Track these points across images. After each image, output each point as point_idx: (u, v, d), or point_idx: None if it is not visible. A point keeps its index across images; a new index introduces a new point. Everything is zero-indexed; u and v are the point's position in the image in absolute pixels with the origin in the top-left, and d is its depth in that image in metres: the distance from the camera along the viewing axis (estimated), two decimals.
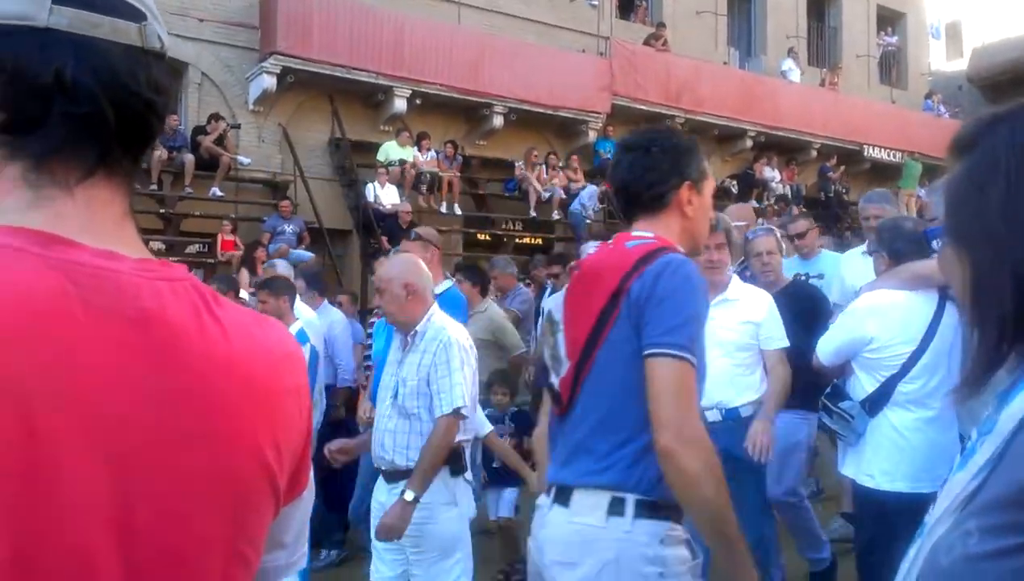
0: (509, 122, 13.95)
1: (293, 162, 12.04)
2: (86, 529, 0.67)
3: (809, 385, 3.64)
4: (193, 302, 0.76)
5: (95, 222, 0.74)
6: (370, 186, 11.54)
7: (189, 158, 11.12)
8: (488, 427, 4.38)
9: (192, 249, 11.42)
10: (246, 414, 0.77)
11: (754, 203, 13.53)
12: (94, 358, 0.68)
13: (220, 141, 11.45)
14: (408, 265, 3.34)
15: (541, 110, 14.16)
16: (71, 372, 0.66)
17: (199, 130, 11.56)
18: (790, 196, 15.80)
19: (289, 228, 10.85)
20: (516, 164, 13.43)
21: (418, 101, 13.09)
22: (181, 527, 0.72)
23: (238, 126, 11.96)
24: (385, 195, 11.45)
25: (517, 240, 13.50)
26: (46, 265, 0.67)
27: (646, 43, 15.78)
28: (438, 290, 3.87)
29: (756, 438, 3.51)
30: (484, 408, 4.39)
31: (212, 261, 10.84)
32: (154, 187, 11.01)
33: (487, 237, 13.56)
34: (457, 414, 3.07)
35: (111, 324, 0.69)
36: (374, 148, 12.33)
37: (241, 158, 11.85)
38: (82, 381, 0.67)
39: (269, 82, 12.06)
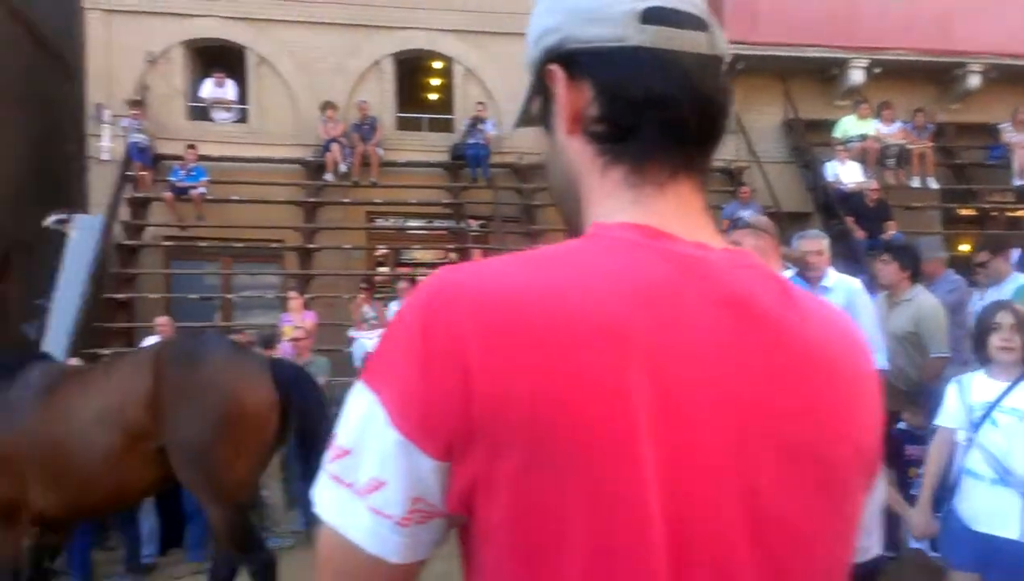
0: (989, 80, 12.40)
1: (747, 148, 12.17)
2: (726, 512, 0.71)
3: None
4: (773, 289, 0.78)
5: (684, 216, 0.80)
6: (829, 165, 11.19)
7: None
8: None
9: None
10: (839, 396, 0.77)
11: None
12: (706, 336, 0.72)
13: None
14: None
15: None
16: (693, 349, 0.72)
17: None
18: None
19: (746, 214, 10.98)
20: (1001, 127, 11.89)
21: (877, 70, 12.31)
22: (800, 508, 0.74)
23: None
24: (846, 173, 11.00)
25: (1008, 213, 11.96)
26: (657, 255, 0.75)
27: None
28: None
29: None
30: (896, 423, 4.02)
31: None
32: None
33: (972, 212, 12.24)
34: None
35: (710, 307, 0.74)
36: (829, 125, 11.91)
37: None
38: (705, 359, 0.72)
39: None
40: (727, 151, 12.64)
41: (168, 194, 10.84)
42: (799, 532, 0.74)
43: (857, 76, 12.28)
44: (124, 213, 10.95)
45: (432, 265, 11.85)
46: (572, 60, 0.81)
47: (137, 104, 11.41)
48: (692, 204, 0.81)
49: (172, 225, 11.07)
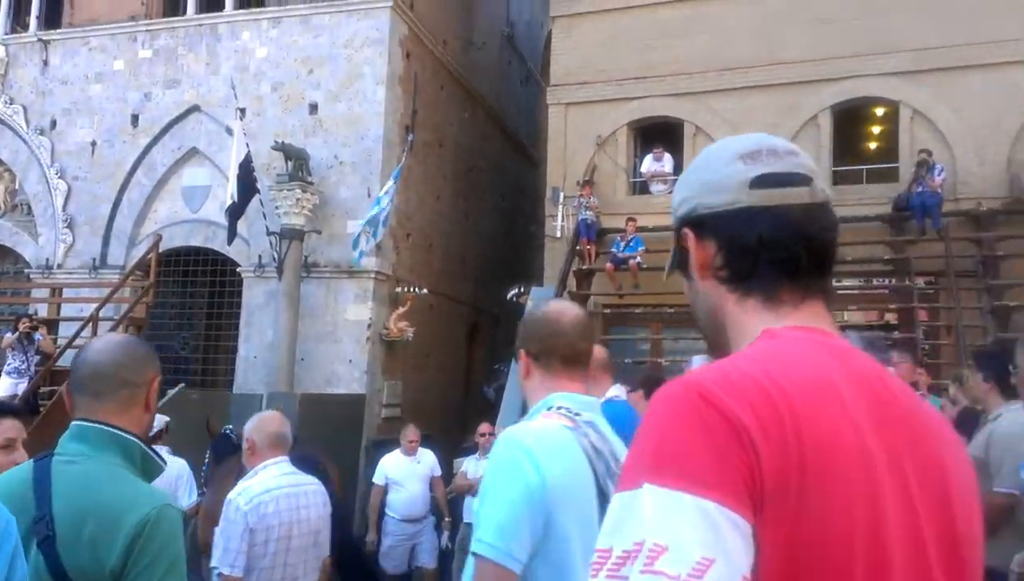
0: None
1: None
2: (931, 553, 0.89)
3: None
4: (895, 379, 0.99)
5: (820, 322, 0.99)
6: None
7: None
8: None
9: None
10: (963, 468, 0.96)
11: None
12: (871, 410, 0.91)
13: None
14: None
15: None
16: (879, 424, 0.90)
17: None
18: None
19: None
20: None
21: None
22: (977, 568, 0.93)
23: None
24: None
25: None
26: (825, 347, 0.96)
27: None
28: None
29: None
30: None
31: None
32: None
33: None
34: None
35: (872, 383, 0.94)
36: None
37: None
38: (892, 431, 0.91)
39: None
40: None
41: (609, 265, 11.89)
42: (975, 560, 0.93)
43: None
44: (571, 284, 12.27)
45: (870, 327, 11.07)
46: (701, 222, 1.04)
47: (587, 184, 12.78)
48: (820, 313, 1.01)
49: (611, 293, 12.08)
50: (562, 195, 13.14)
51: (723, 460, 0.80)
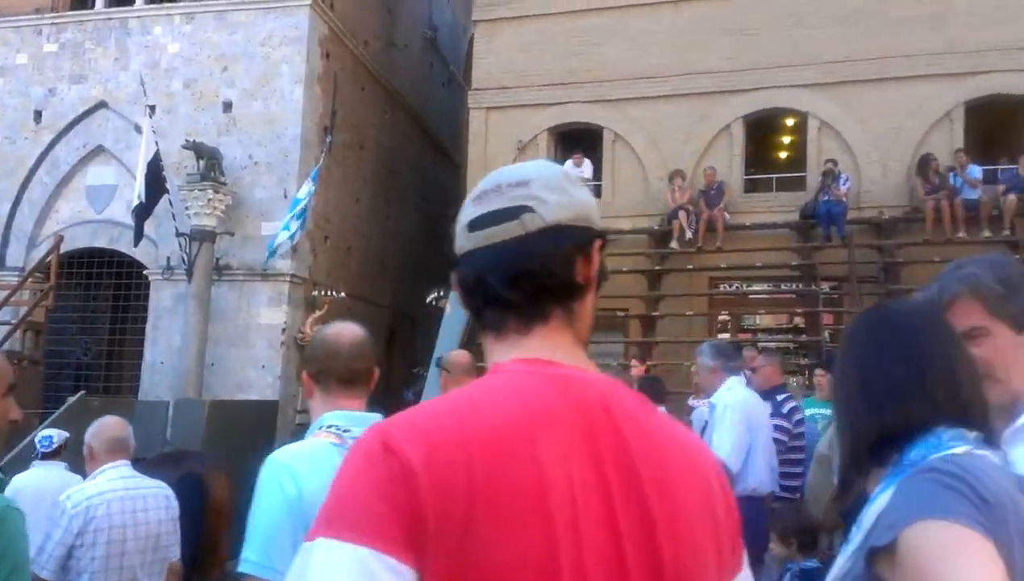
0: None
1: None
2: (627, 561, 0.91)
3: None
4: (637, 399, 1.02)
5: (556, 351, 1.01)
6: None
7: None
8: None
9: None
10: (697, 492, 1.00)
11: None
12: (586, 438, 0.94)
13: None
14: None
15: None
16: (589, 453, 0.93)
17: None
18: None
19: None
20: None
21: None
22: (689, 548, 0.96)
23: None
24: None
25: None
26: (545, 378, 0.97)
27: None
28: None
29: None
30: None
31: None
32: (1007, 233, 10.53)
33: None
34: None
35: (591, 411, 0.96)
36: None
37: None
38: (603, 459, 0.94)
39: None
40: None
41: None
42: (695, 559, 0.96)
43: None
44: None
45: (776, 330, 11.40)
46: (458, 263, 1.08)
47: None
48: (560, 341, 1.02)
49: None
50: None
51: (388, 506, 0.83)
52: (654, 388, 5.56)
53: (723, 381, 4.76)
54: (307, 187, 11.73)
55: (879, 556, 1.12)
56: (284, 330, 12.26)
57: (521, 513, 0.85)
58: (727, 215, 11.80)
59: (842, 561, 1.22)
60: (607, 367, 11.68)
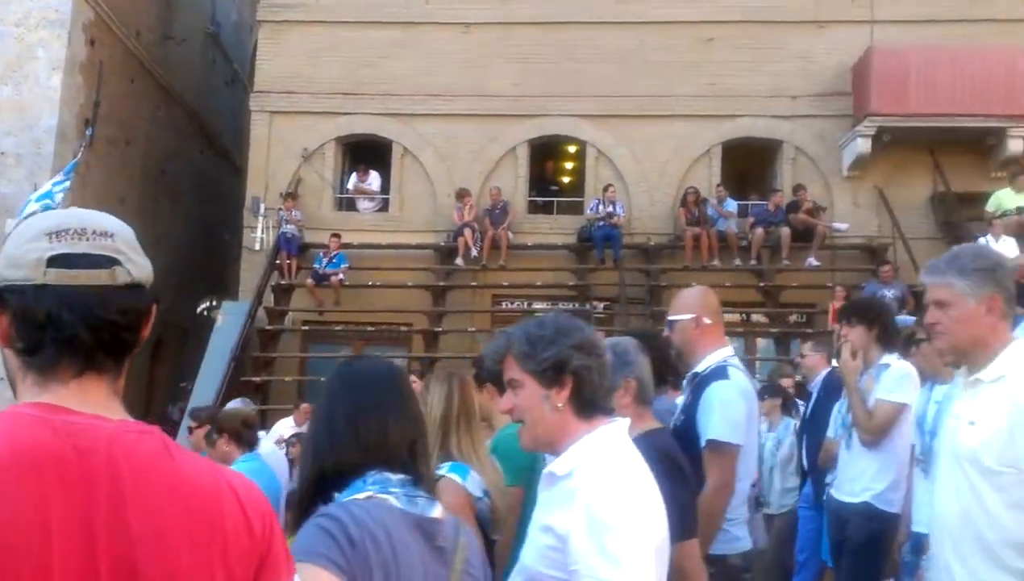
0: None
1: (892, 224, 11.50)
2: None
3: None
4: (156, 446, 1.05)
5: (86, 401, 1.04)
6: (981, 240, 10.32)
7: (785, 232, 11.55)
8: None
9: (791, 318, 11.70)
10: (192, 529, 1.03)
11: None
12: (85, 484, 0.98)
13: (814, 212, 11.63)
14: None
15: None
16: (73, 501, 0.97)
17: (792, 206, 11.89)
18: None
19: (890, 294, 10.34)
20: None
21: None
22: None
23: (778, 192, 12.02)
24: (1000, 248, 10.10)
25: None
26: (46, 423, 1.00)
27: None
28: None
29: None
30: None
31: (811, 330, 10.91)
32: (754, 262, 11.70)
33: None
34: None
35: (93, 459, 0.99)
36: (983, 198, 11.04)
37: (837, 225, 11.84)
38: (89, 507, 0.98)
39: (864, 146, 11.86)
40: (869, 228, 12.03)
41: (310, 281, 11.58)
42: None
43: (1016, 146, 11.41)
44: (269, 299, 11.79)
45: None
46: (1, 294, 1.06)
47: (290, 197, 12.35)
48: (97, 392, 1.06)
49: (311, 310, 11.78)
50: (263, 206, 12.60)
51: None
52: None
53: None
54: (60, 180, 10.59)
55: None
56: None
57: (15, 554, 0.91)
58: (511, 234, 12.17)
59: None
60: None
